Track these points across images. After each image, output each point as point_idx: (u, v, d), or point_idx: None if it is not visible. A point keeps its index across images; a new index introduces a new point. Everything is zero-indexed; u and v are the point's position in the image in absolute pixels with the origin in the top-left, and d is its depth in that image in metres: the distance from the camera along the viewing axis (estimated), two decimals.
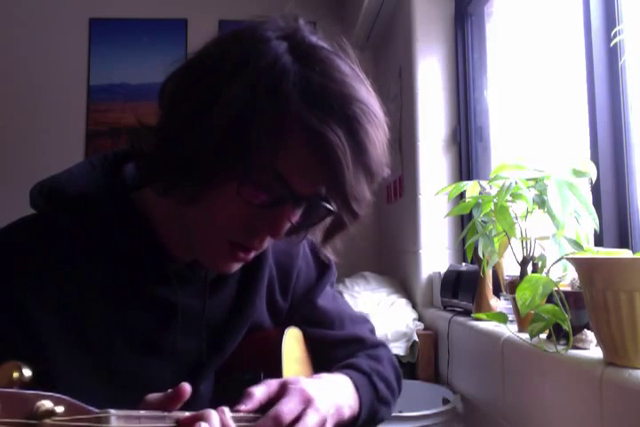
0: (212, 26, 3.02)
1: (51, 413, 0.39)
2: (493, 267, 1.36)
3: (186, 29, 3.23)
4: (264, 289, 0.82)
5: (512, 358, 1.20)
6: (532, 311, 1.00)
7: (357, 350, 0.90)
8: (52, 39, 3.21)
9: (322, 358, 0.88)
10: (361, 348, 0.90)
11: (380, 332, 1.87)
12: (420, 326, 1.96)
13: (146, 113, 0.67)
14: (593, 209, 1.06)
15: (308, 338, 0.88)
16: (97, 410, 0.44)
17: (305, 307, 0.88)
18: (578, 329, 0.98)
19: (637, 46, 1.20)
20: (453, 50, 2.15)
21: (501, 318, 1.13)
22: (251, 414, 0.63)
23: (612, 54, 1.25)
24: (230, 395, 0.65)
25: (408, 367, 1.88)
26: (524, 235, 1.16)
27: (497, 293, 1.47)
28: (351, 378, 0.80)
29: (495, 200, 1.15)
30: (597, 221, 1.06)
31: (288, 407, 0.64)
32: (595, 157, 1.24)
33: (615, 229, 1.23)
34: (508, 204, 1.15)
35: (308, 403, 0.66)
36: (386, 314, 1.98)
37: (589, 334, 0.97)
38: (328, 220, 0.72)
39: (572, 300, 0.98)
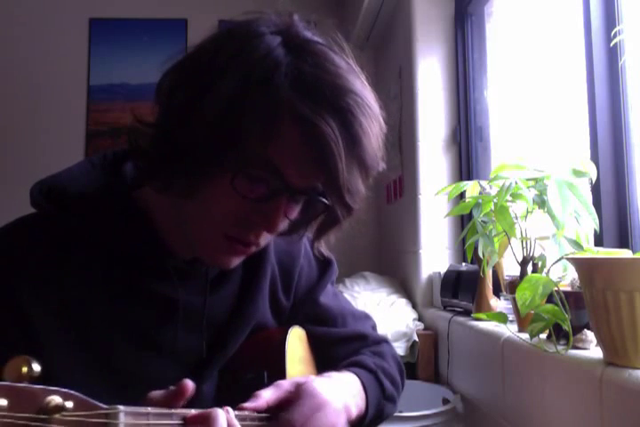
0: (212, 26, 3.01)
1: (60, 408, 0.39)
2: (493, 267, 1.36)
3: (186, 29, 3.23)
4: (266, 288, 0.82)
5: (512, 358, 1.20)
6: (532, 311, 1.00)
7: (361, 346, 0.90)
8: (52, 39, 3.21)
9: (325, 356, 0.89)
10: (364, 344, 0.91)
11: (380, 332, 1.86)
12: (420, 326, 1.96)
13: (146, 113, 0.67)
14: (593, 209, 1.06)
15: (311, 336, 0.89)
16: (105, 406, 0.44)
17: (307, 305, 0.88)
18: (578, 329, 0.98)
19: (637, 46, 1.20)
20: (453, 50, 2.15)
21: (501, 318, 1.13)
22: (256, 414, 0.63)
23: (612, 54, 1.25)
24: (234, 394, 0.65)
25: (408, 367, 1.88)
26: (524, 235, 1.16)
27: (497, 293, 1.47)
28: (358, 376, 0.80)
29: (495, 200, 1.15)
30: (597, 221, 1.06)
31: (301, 411, 0.64)
32: (595, 157, 1.24)
33: (615, 229, 1.23)
34: (508, 204, 1.15)
35: (319, 405, 0.66)
36: (386, 314, 1.98)
37: (589, 334, 0.97)
38: (322, 216, 0.71)
39: (572, 300, 0.98)
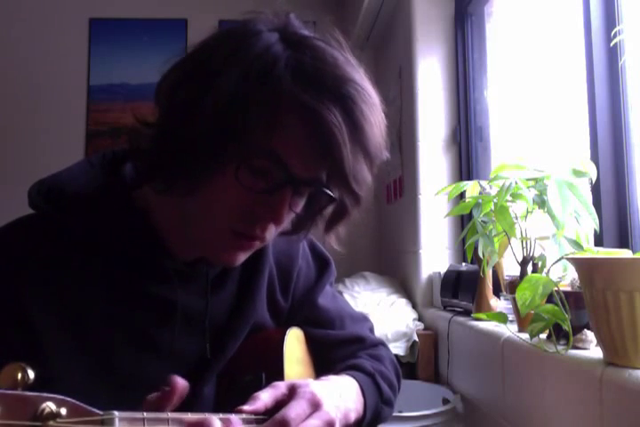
0: (212, 26, 3.01)
1: (55, 415, 0.39)
2: (493, 267, 1.36)
3: (186, 29, 3.23)
4: (265, 289, 0.82)
5: (512, 358, 1.20)
6: (532, 311, 1.00)
7: (358, 349, 0.90)
8: (52, 39, 3.21)
9: (323, 358, 0.88)
10: (362, 347, 0.91)
11: (380, 332, 1.87)
12: (420, 326, 1.96)
13: (146, 113, 0.67)
14: (593, 209, 1.06)
15: (309, 338, 0.88)
16: (101, 412, 0.44)
17: (305, 306, 0.88)
18: (578, 329, 0.98)
19: (637, 46, 1.20)
20: (453, 50, 2.15)
21: (501, 318, 1.13)
22: (253, 416, 0.63)
23: (612, 54, 1.25)
24: (232, 396, 0.65)
25: (408, 367, 1.88)
26: (524, 235, 1.16)
27: (497, 293, 1.47)
28: (356, 380, 0.80)
29: (495, 200, 1.15)
30: (597, 221, 1.06)
31: (295, 412, 0.63)
32: (595, 157, 1.24)
33: (615, 229, 1.23)
34: (508, 204, 1.15)
35: (316, 407, 0.65)
36: (386, 314, 1.98)
37: (589, 334, 0.97)
38: (330, 209, 0.71)
39: (572, 300, 0.98)
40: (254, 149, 0.61)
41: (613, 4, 1.24)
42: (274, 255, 0.84)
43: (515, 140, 1.92)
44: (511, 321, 1.24)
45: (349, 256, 2.78)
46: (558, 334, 1.01)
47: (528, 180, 1.12)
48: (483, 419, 1.39)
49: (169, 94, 0.64)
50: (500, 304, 1.46)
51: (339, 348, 0.89)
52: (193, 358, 0.75)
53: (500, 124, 2.00)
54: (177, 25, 3.24)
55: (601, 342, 0.86)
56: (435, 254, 2.09)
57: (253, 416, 0.62)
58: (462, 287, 1.69)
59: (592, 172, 1.12)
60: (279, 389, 0.66)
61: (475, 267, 1.63)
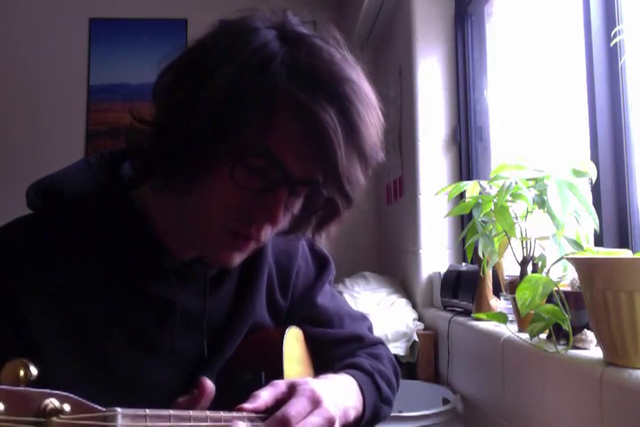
0: (212, 25, 3.01)
1: (58, 411, 0.39)
2: (493, 267, 1.36)
3: (186, 29, 3.23)
4: (264, 289, 0.82)
5: (512, 358, 1.20)
6: (532, 311, 1.00)
7: (357, 348, 0.90)
8: (52, 39, 3.21)
9: (322, 357, 0.88)
10: (361, 346, 0.91)
11: (380, 332, 1.87)
12: (420, 326, 1.96)
13: (145, 113, 0.67)
14: (593, 209, 1.06)
15: (308, 337, 0.88)
16: (103, 409, 0.44)
17: (304, 306, 0.88)
18: (578, 329, 0.98)
19: (637, 46, 1.20)
20: (453, 50, 2.15)
21: (501, 318, 1.13)
22: (253, 414, 0.63)
23: (612, 54, 1.25)
24: (232, 396, 0.65)
25: (408, 367, 1.88)
26: (524, 235, 1.16)
27: (497, 293, 1.47)
28: (355, 378, 0.80)
29: (495, 200, 1.15)
30: (597, 221, 1.06)
31: (296, 409, 0.63)
32: (595, 157, 1.24)
33: (615, 229, 1.23)
34: (508, 204, 1.15)
35: (316, 405, 0.65)
36: (386, 314, 1.98)
37: (589, 334, 0.97)
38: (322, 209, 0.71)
39: (572, 300, 0.98)
40: (249, 146, 0.61)
41: (613, 4, 1.24)
42: (273, 255, 0.84)
43: (515, 140, 1.92)
44: (511, 321, 1.24)
45: (349, 256, 2.78)
46: (558, 334, 1.01)
47: (528, 180, 1.12)
48: (483, 419, 1.39)
49: (166, 92, 0.64)
50: (500, 304, 1.46)
51: (338, 347, 0.89)
52: (191, 358, 0.75)
53: (500, 124, 2.00)
54: (177, 25, 3.24)
55: (601, 342, 0.86)
56: (435, 254, 2.09)
57: (254, 415, 0.62)
58: (462, 287, 1.69)
59: (592, 172, 1.12)
60: (279, 387, 0.66)
61: (475, 267, 1.63)
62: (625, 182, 1.22)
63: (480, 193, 1.29)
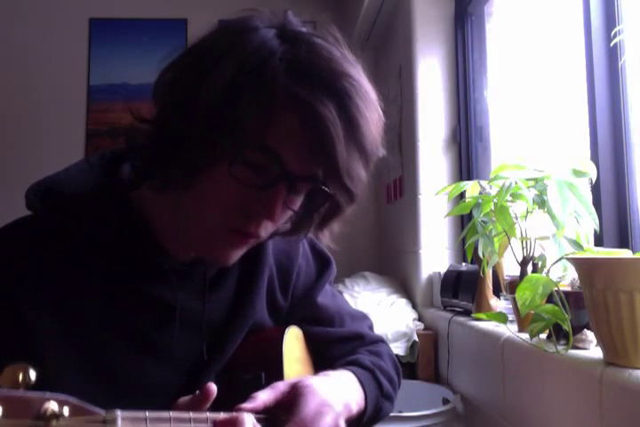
0: (212, 26, 3.01)
1: (57, 415, 0.39)
2: (493, 267, 1.36)
3: (186, 29, 3.23)
4: (264, 289, 0.82)
5: (512, 358, 1.20)
6: (532, 311, 1.00)
7: (358, 346, 0.90)
8: (52, 39, 3.21)
9: (323, 356, 0.88)
10: (361, 344, 0.91)
11: (380, 332, 1.87)
12: (420, 326, 1.96)
13: (145, 112, 0.67)
14: (593, 209, 1.06)
15: (309, 336, 0.88)
16: (103, 412, 0.44)
17: (305, 305, 0.88)
18: (578, 329, 0.98)
19: (637, 46, 1.20)
20: (453, 50, 2.15)
21: (501, 318, 1.13)
22: (252, 415, 0.63)
23: (612, 54, 1.25)
24: (231, 396, 0.65)
25: (408, 367, 1.88)
26: (524, 235, 1.16)
27: (497, 293, 1.47)
28: (356, 375, 0.80)
29: (495, 200, 1.15)
30: (597, 221, 1.06)
31: (304, 413, 0.64)
32: (595, 157, 1.24)
33: (615, 229, 1.23)
34: (508, 204, 1.15)
35: (321, 405, 0.66)
36: (386, 314, 1.98)
37: (589, 334, 0.97)
38: (325, 206, 0.70)
39: (572, 300, 0.98)
40: (248, 142, 0.60)
41: (613, 4, 1.24)
42: (274, 255, 0.84)
43: (515, 140, 1.92)
44: (511, 321, 1.24)
45: (349, 256, 2.78)
46: (558, 334, 1.01)
47: (528, 180, 1.12)
48: (483, 419, 1.39)
49: (166, 90, 0.65)
50: (500, 304, 1.46)
51: (338, 345, 0.89)
52: (191, 359, 0.75)
53: (500, 124, 2.00)
54: (177, 25, 3.24)
55: (601, 342, 0.86)
56: (435, 254, 2.09)
57: (253, 415, 0.62)
58: (462, 287, 1.68)
59: (592, 172, 1.12)
60: (279, 389, 0.67)
61: (475, 267, 1.63)
62: (625, 182, 1.22)
63: (480, 193, 1.29)
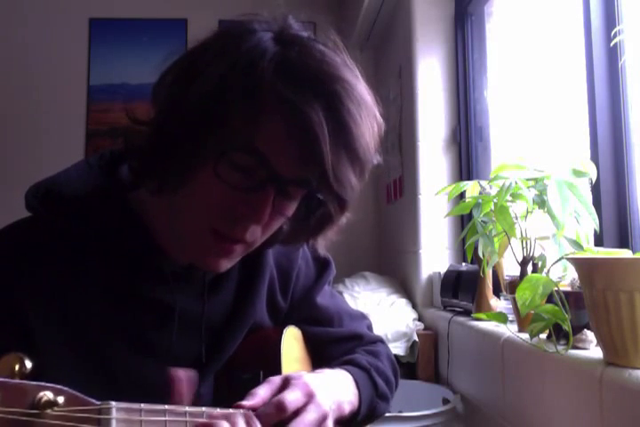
0: (212, 26, 3.01)
1: (52, 403, 0.40)
2: (493, 267, 1.36)
3: (186, 29, 3.23)
4: (264, 291, 0.82)
5: (512, 358, 1.20)
6: (532, 311, 1.00)
7: (356, 346, 0.90)
8: (52, 39, 3.21)
9: (321, 356, 0.88)
10: (360, 344, 0.91)
11: (380, 332, 1.87)
12: (420, 326, 1.96)
13: (143, 113, 0.67)
14: (593, 209, 1.06)
15: (308, 336, 0.88)
16: (98, 402, 0.44)
17: (304, 306, 0.88)
18: (578, 329, 0.98)
19: (637, 46, 1.20)
20: (453, 50, 2.15)
21: (501, 318, 1.13)
22: (251, 412, 0.63)
23: (612, 54, 1.25)
24: (230, 395, 0.65)
25: (408, 367, 1.88)
26: (524, 235, 1.16)
27: (497, 293, 1.47)
28: (351, 374, 0.80)
29: (495, 200, 1.15)
30: (597, 221, 1.06)
31: (291, 398, 0.64)
32: (595, 157, 1.24)
33: (615, 229, 1.23)
34: (508, 204, 1.15)
35: (310, 397, 0.66)
36: (386, 314, 1.98)
37: (589, 334, 0.97)
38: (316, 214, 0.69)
39: (572, 300, 0.98)
40: (234, 142, 0.60)
41: (613, 4, 1.24)
42: (273, 256, 0.84)
43: (515, 140, 1.92)
44: (511, 321, 1.24)
45: (349, 256, 2.78)
46: (558, 334, 1.01)
47: (528, 180, 1.12)
48: (483, 419, 1.39)
49: (163, 91, 0.65)
50: (500, 304, 1.46)
51: (337, 345, 0.89)
52: (190, 360, 0.75)
53: (500, 124, 2.00)
54: (177, 25, 3.24)
55: (601, 342, 0.86)
56: (435, 254, 2.09)
57: (252, 412, 0.63)
58: (462, 287, 1.68)
59: (592, 172, 1.12)
60: (274, 383, 0.67)
61: (475, 267, 1.63)
62: (625, 182, 1.22)
63: (480, 193, 1.29)
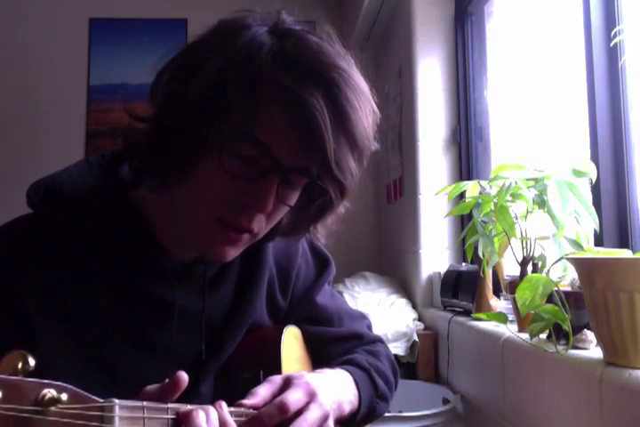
0: (212, 26, 3.01)
1: (55, 400, 0.40)
2: (493, 267, 1.36)
3: (186, 29, 3.23)
4: (264, 289, 0.82)
5: (512, 358, 1.20)
6: (532, 311, 1.00)
7: (356, 346, 0.90)
8: (52, 39, 3.21)
9: (321, 355, 0.89)
10: (359, 344, 0.91)
11: (380, 332, 1.87)
12: (420, 326, 1.96)
13: (143, 112, 0.68)
14: (593, 209, 1.06)
15: (308, 336, 0.88)
16: (100, 399, 0.44)
17: (304, 305, 0.88)
18: (578, 329, 0.98)
19: (637, 46, 1.20)
20: (453, 50, 2.15)
21: (501, 318, 1.13)
22: (252, 410, 0.63)
23: (612, 54, 1.25)
24: (230, 394, 0.65)
25: (408, 367, 1.88)
26: (523, 235, 1.16)
27: (497, 293, 1.47)
28: (351, 374, 0.80)
29: (495, 200, 1.15)
30: (597, 221, 1.06)
31: (293, 398, 0.64)
32: (595, 157, 1.25)
33: (615, 229, 1.23)
34: (508, 204, 1.15)
35: (311, 397, 0.66)
36: (386, 314, 1.98)
37: (589, 334, 0.97)
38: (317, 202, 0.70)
39: (572, 300, 0.98)
40: (236, 132, 0.61)
41: (613, 4, 1.24)
42: (273, 255, 0.84)
43: (515, 140, 1.92)
44: (511, 321, 1.24)
45: (349, 256, 2.78)
46: (558, 334, 1.01)
47: (528, 180, 1.12)
48: (483, 419, 1.39)
49: (162, 89, 0.65)
50: (500, 304, 1.46)
51: (336, 344, 0.89)
52: (190, 357, 0.75)
53: (500, 124, 2.00)
54: (177, 25, 3.24)
55: (601, 342, 0.86)
56: (435, 254, 2.09)
57: (252, 411, 0.63)
58: (462, 287, 1.69)
59: (592, 172, 1.12)
60: (275, 383, 0.67)
61: (475, 267, 1.63)
62: (625, 182, 1.22)
63: (480, 193, 1.29)
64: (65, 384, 0.41)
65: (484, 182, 1.29)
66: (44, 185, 0.71)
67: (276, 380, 0.68)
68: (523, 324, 1.19)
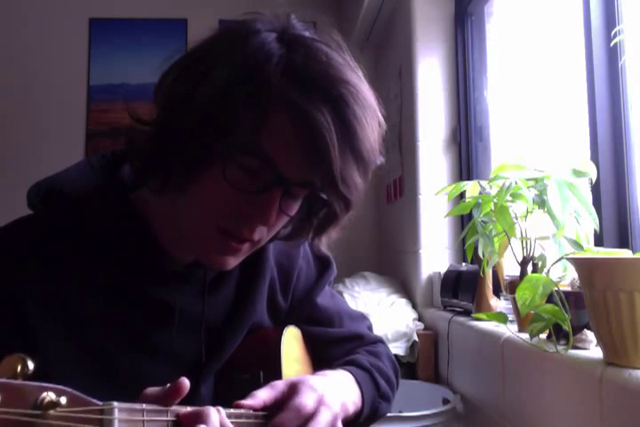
0: (212, 26, 3.00)
1: (55, 404, 0.40)
2: (493, 267, 1.36)
3: (186, 29, 3.23)
4: (265, 290, 0.82)
5: (512, 358, 1.20)
6: (532, 311, 1.00)
7: (357, 346, 0.90)
8: (52, 39, 3.21)
9: (322, 356, 0.89)
10: (360, 344, 0.91)
11: (380, 332, 1.87)
12: (420, 326, 1.96)
13: (145, 113, 0.67)
14: (593, 209, 1.06)
15: (308, 336, 0.88)
16: (100, 402, 0.44)
17: (305, 306, 0.88)
18: (578, 329, 0.98)
19: (637, 46, 1.20)
20: (453, 50, 2.15)
21: (501, 318, 1.13)
22: (252, 412, 0.63)
23: (612, 54, 1.25)
24: (230, 395, 0.65)
25: (408, 367, 1.88)
26: (524, 235, 1.16)
27: (497, 293, 1.47)
28: (353, 375, 0.80)
29: (495, 200, 1.15)
30: (597, 221, 1.06)
31: (307, 401, 0.65)
32: (595, 157, 1.24)
33: (615, 229, 1.23)
34: (508, 204, 1.15)
35: (320, 400, 0.67)
36: (386, 314, 1.98)
37: (589, 334, 0.97)
38: (321, 213, 0.70)
39: (572, 300, 0.98)
40: (242, 145, 0.60)
41: (613, 4, 1.24)
42: (274, 256, 0.84)
43: (515, 140, 1.92)
44: (511, 321, 1.24)
45: (349, 256, 2.78)
46: (558, 334, 1.01)
47: (528, 180, 1.12)
48: (483, 419, 1.39)
49: (166, 91, 0.65)
50: (500, 304, 1.46)
51: (337, 345, 0.89)
52: (190, 359, 0.75)
53: (500, 124, 2.00)
54: (177, 25, 3.24)
55: (601, 342, 0.86)
56: (435, 254, 2.09)
57: (252, 412, 0.63)
58: (462, 287, 1.68)
59: (592, 172, 1.12)
60: (277, 388, 0.67)
61: (475, 267, 1.63)
62: (625, 182, 1.22)
63: (480, 193, 1.29)
64: (64, 387, 0.41)
65: (484, 182, 1.29)
66: (44, 186, 0.71)
67: (278, 384, 0.68)
68: (523, 324, 1.19)
